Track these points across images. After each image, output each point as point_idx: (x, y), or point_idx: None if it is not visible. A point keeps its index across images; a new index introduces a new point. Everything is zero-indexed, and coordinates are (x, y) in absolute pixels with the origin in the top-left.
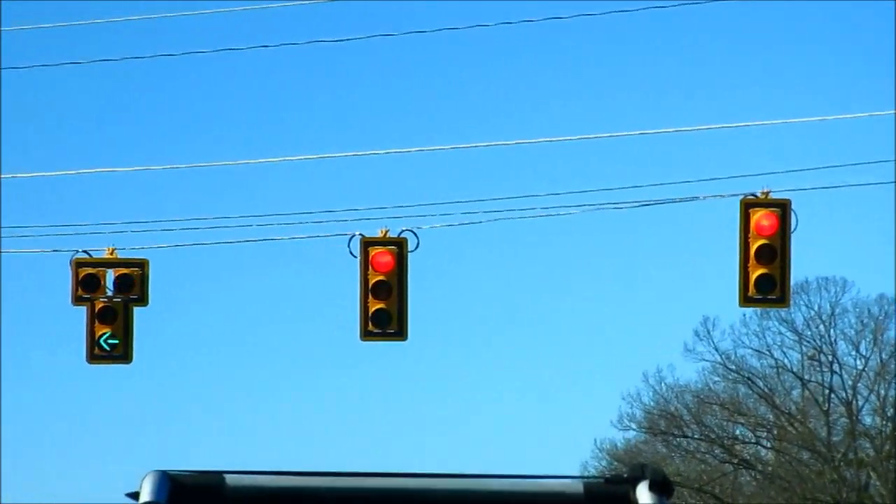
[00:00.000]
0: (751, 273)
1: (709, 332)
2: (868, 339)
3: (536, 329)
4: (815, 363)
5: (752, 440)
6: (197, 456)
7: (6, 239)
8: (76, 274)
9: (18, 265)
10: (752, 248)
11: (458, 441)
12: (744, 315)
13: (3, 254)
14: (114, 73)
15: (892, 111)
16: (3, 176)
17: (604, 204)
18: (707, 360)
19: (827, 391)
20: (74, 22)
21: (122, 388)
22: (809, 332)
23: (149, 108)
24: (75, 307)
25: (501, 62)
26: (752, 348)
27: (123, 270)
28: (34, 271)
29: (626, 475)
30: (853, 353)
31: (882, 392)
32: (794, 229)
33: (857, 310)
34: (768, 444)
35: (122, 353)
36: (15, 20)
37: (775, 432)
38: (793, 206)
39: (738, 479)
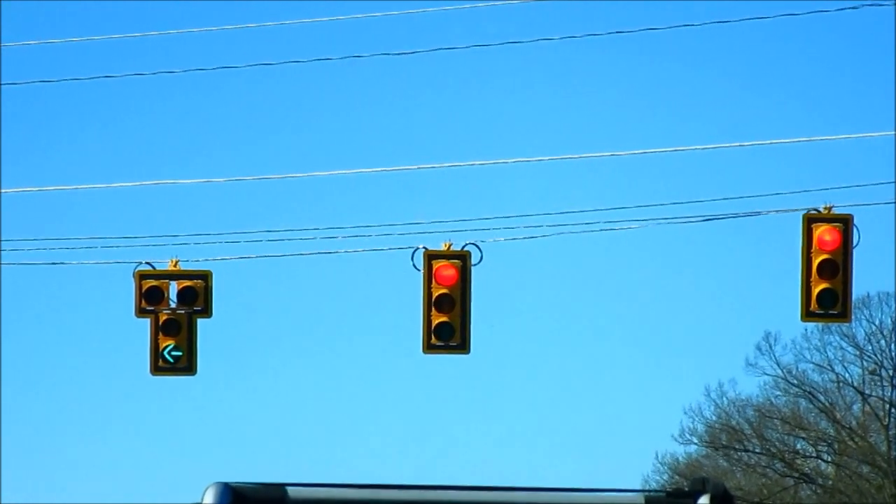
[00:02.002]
0: (813, 288)
1: (770, 347)
2: None
3: (598, 343)
4: (876, 378)
5: (813, 454)
6: (259, 468)
7: (69, 251)
8: (140, 286)
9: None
10: (815, 263)
11: (519, 454)
12: (805, 330)
13: (64, 266)
14: (178, 84)
15: None
16: (65, 188)
17: (667, 218)
18: (768, 375)
19: (888, 406)
20: (136, 33)
21: (185, 400)
22: (870, 347)
23: (214, 119)
24: (139, 319)
25: (565, 75)
26: (813, 363)
27: (187, 282)
28: (98, 283)
29: (687, 489)
30: None
31: None
32: (857, 244)
33: None
34: (829, 459)
35: (185, 364)
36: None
37: (836, 446)
38: (855, 222)
39: (798, 493)
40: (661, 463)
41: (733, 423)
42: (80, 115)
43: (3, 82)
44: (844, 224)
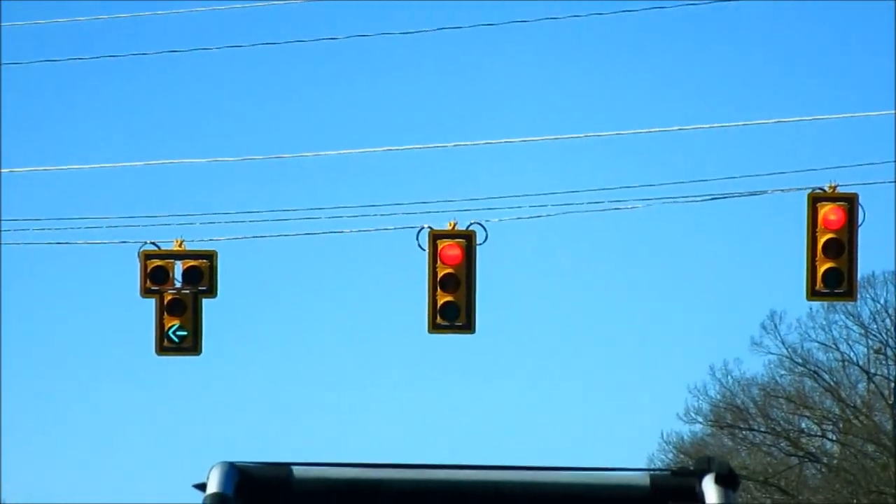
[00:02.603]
0: (818, 267)
1: (775, 326)
2: None
3: (604, 322)
4: (881, 356)
5: (818, 433)
6: (264, 447)
7: (74, 230)
8: (145, 266)
9: (87, 256)
10: (820, 242)
11: (525, 433)
12: (810, 309)
13: (68, 245)
14: (183, 64)
15: None
16: (69, 168)
17: (672, 198)
18: (773, 354)
19: (892, 384)
20: (142, 12)
21: (190, 380)
22: (875, 326)
23: (219, 99)
24: (144, 299)
25: (570, 54)
26: (818, 342)
27: (192, 262)
28: (103, 263)
29: (692, 468)
30: None
31: None
32: (862, 223)
33: None
34: (834, 438)
35: (190, 344)
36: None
37: (841, 425)
38: (860, 200)
39: (803, 472)
40: (666, 442)
41: (738, 402)
42: (85, 94)
43: (5, 62)
44: (849, 203)
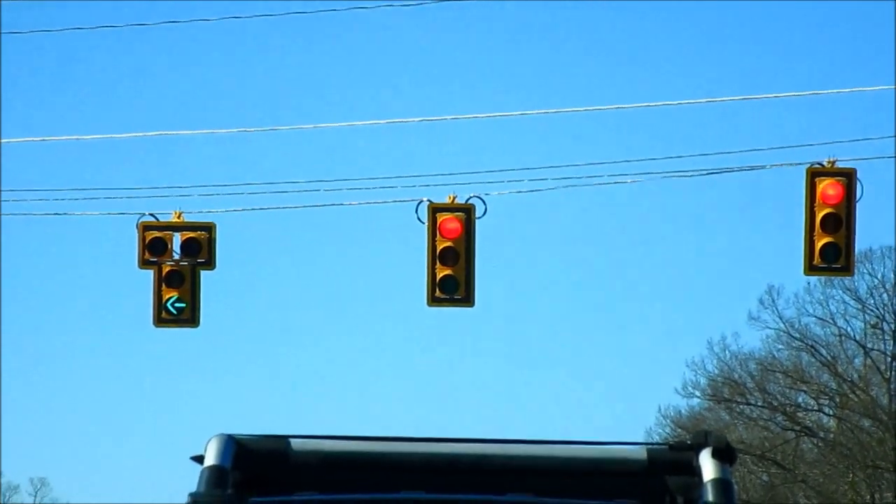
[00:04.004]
0: (816, 242)
1: (773, 301)
2: None
3: (602, 296)
4: (878, 331)
5: (815, 408)
6: (262, 419)
7: (72, 202)
8: (143, 237)
9: (86, 228)
10: (818, 217)
11: (523, 406)
12: (808, 283)
13: (67, 216)
14: (183, 36)
15: None
16: (68, 138)
17: (671, 172)
18: (771, 328)
19: (889, 359)
20: None
21: (188, 352)
22: (873, 301)
23: (218, 71)
24: (142, 270)
25: (568, 29)
26: (815, 316)
27: (190, 234)
28: (101, 234)
29: (689, 442)
30: None
31: None
32: (860, 198)
33: None
34: (830, 412)
35: (189, 316)
36: None
37: (837, 400)
38: (858, 176)
39: (799, 447)
40: (663, 416)
41: (735, 376)
42: (86, 65)
43: (5, 31)
44: (848, 178)
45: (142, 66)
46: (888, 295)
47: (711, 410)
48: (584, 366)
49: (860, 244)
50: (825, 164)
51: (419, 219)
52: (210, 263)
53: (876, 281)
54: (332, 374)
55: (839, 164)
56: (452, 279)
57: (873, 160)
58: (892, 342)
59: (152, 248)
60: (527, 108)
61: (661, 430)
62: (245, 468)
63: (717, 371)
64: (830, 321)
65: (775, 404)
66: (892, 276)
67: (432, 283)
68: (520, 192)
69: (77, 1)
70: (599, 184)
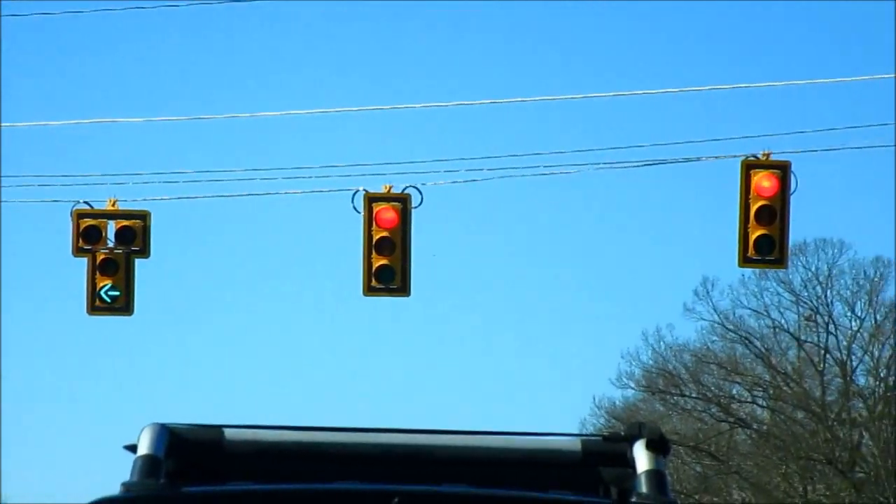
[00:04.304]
0: (750, 234)
1: (708, 292)
2: (864, 301)
3: (537, 287)
4: (812, 324)
5: (749, 399)
6: (197, 409)
7: (6, 189)
8: (77, 225)
9: (19, 215)
10: (753, 210)
11: (458, 397)
12: (742, 275)
13: (3, 203)
14: (117, 22)
15: (892, 74)
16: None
17: (606, 163)
18: (706, 320)
19: (822, 352)
20: None
21: (122, 340)
22: (806, 293)
23: (153, 58)
24: (76, 258)
25: (502, 19)
26: (750, 308)
27: (125, 222)
28: (35, 222)
29: (623, 433)
30: (849, 314)
31: (876, 353)
32: (794, 191)
33: (854, 271)
34: (764, 404)
35: (123, 304)
36: None
37: (771, 392)
38: (793, 168)
39: (733, 438)
40: (598, 407)
41: (670, 367)
42: (16, 52)
43: None
44: (782, 171)
45: (75, 52)
46: (822, 287)
47: (646, 401)
48: (519, 356)
49: (794, 237)
50: (760, 156)
51: (355, 208)
52: (144, 251)
53: (810, 273)
54: (267, 364)
55: (774, 157)
56: (388, 269)
57: (808, 153)
58: (825, 334)
59: (86, 235)
60: (463, 99)
61: (595, 421)
62: (179, 458)
63: (651, 362)
64: (765, 313)
65: (709, 396)
66: (826, 268)
67: (368, 272)
68: (456, 182)
69: None
70: (535, 174)
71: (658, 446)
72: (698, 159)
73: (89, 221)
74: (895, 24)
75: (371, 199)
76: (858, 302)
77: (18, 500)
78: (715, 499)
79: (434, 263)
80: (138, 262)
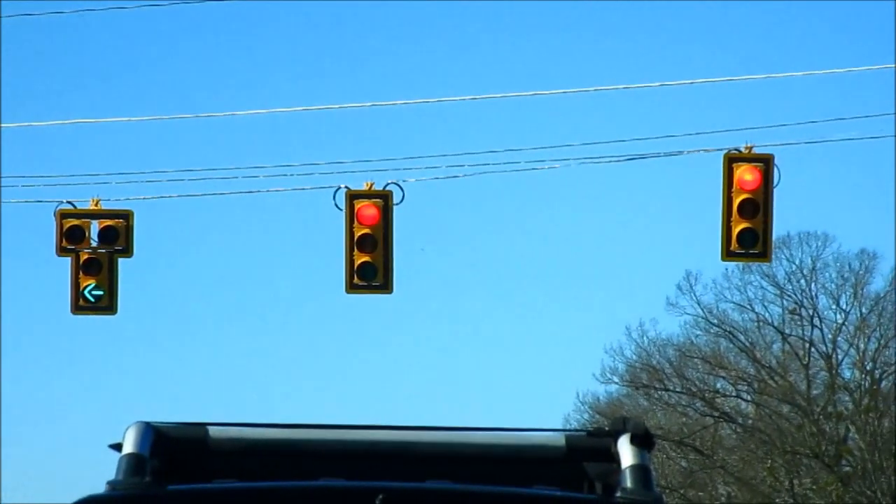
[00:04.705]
0: (733, 227)
1: (691, 286)
2: (848, 294)
3: (520, 283)
4: (796, 317)
5: (733, 394)
6: (181, 408)
7: None
8: (60, 225)
9: (2, 215)
10: (735, 203)
11: (441, 394)
12: (726, 269)
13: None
14: (99, 22)
15: (876, 66)
16: None
17: (588, 158)
18: (689, 314)
19: (807, 345)
20: None
21: (106, 340)
22: (791, 287)
23: (135, 58)
24: (60, 258)
25: (485, 15)
26: (733, 302)
27: (108, 222)
28: (18, 222)
29: (607, 428)
30: (833, 307)
31: (861, 346)
32: (777, 184)
33: (838, 264)
34: (749, 398)
35: (106, 304)
36: None
37: (756, 386)
38: (776, 161)
39: (718, 432)
40: (581, 402)
41: (654, 362)
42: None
43: None
44: (765, 164)
45: (57, 54)
46: (806, 281)
47: (630, 396)
48: (502, 352)
49: (778, 230)
50: (742, 149)
51: (337, 206)
52: (128, 251)
53: (794, 267)
54: (251, 362)
55: (756, 150)
56: (371, 266)
57: (791, 146)
58: (810, 328)
59: (70, 235)
60: (443, 95)
61: (579, 417)
62: (163, 456)
63: (635, 357)
64: (748, 307)
65: (694, 390)
66: (810, 261)
67: (350, 270)
68: (437, 178)
69: None
70: (516, 170)
71: (642, 441)
72: (680, 153)
73: (73, 221)
74: (880, 17)
75: (352, 197)
76: (843, 295)
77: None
78: (700, 493)
79: (416, 260)
80: (122, 261)
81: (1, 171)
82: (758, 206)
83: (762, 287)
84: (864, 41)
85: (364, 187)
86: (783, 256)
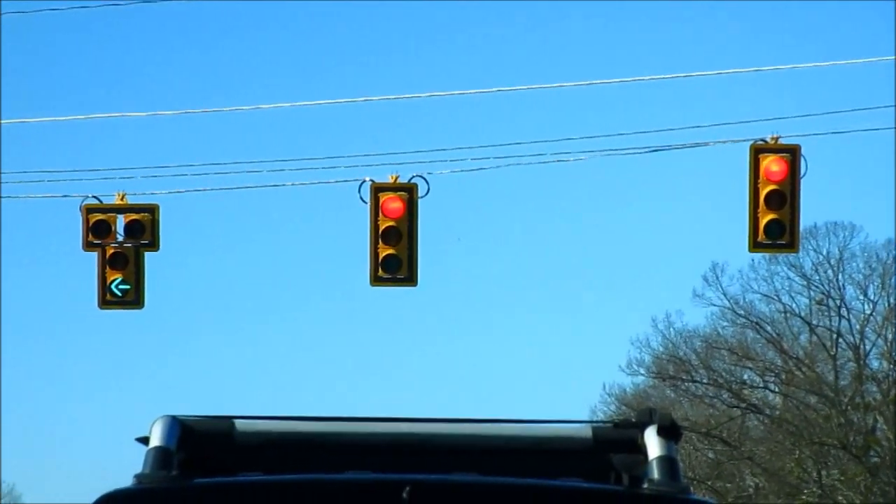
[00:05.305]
0: (760, 218)
1: (717, 278)
2: (876, 284)
3: (545, 275)
4: (823, 308)
5: (760, 385)
6: (207, 401)
7: (15, 185)
8: (87, 220)
9: (29, 211)
10: (762, 194)
11: (467, 386)
12: (752, 260)
13: (11, 199)
14: (125, 16)
15: None
16: (8, 122)
17: (614, 150)
18: (716, 306)
19: (834, 336)
20: None
21: (133, 334)
22: (818, 277)
23: (161, 52)
24: (86, 253)
25: (509, 6)
26: (760, 293)
27: (134, 216)
28: (45, 217)
29: (634, 420)
30: (861, 297)
31: (889, 336)
32: (804, 174)
33: (866, 254)
34: (776, 389)
35: (133, 298)
36: None
37: (783, 377)
38: (802, 152)
39: (745, 424)
40: (608, 394)
41: (680, 353)
42: (27, 47)
43: None
44: (792, 154)
45: (83, 49)
46: (833, 271)
47: (656, 388)
48: (528, 344)
49: (805, 221)
50: (769, 140)
51: (362, 199)
52: (154, 245)
53: (821, 257)
54: (276, 355)
55: (783, 141)
56: (395, 258)
57: (817, 136)
58: (837, 318)
59: (96, 230)
60: (468, 88)
61: (605, 408)
62: (190, 449)
63: (661, 348)
64: (775, 298)
65: (720, 381)
66: (837, 252)
67: (375, 262)
68: (462, 171)
69: None
70: (542, 162)
71: (669, 432)
72: (706, 144)
73: (99, 216)
74: None
75: (377, 189)
76: (871, 285)
77: (28, 492)
78: (728, 485)
79: (441, 252)
80: (148, 255)
81: (1, 166)
82: (784, 197)
83: (789, 278)
84: (891, 31)
85: (389, 180)
86: (810, 247)
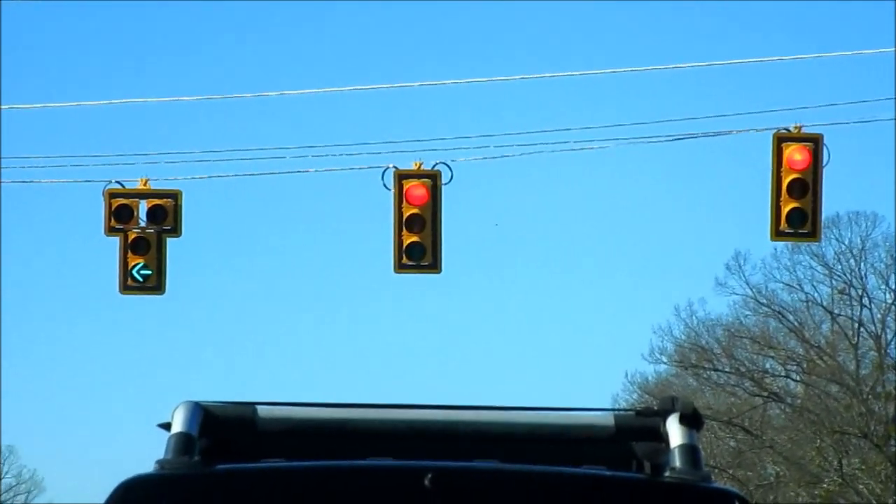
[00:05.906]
0: (782, 207)
1: (740, 266)
2: None
3: (568, 263)
4: (845, 297)
5: (782, 374)
6: (230, 386)
7: (38, 169)
8: (109, 205)
9: (52, 195)
10: (784, 183)
11: (490, 373)
12: (775, 249)
13: (34, 184)
14: (146, 4)
15: None
16: (32, 106)
17: (637, 138)
18: (738, 294)
19: (856, 325)
20: None
21: (154, 319)
22: (840, 266)
23: (183, 38)
24: (108, 237)
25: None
26: (782, 282)
27: (156, 201)
28: (67, 202)
29: (656, 408)
30: (883, 286)
31: None
32: (826, 163)
33: (888, 244)
34: (798, 378)
35: (155, 283)
36: None
37: (805, 366)
38: (825, 141)
39: (767, 412)
40: (630, 382)
41: (703, 342)
42: (50, 33)
43: None
44: (814, 143)
45: (107, 34)
46: (855, 261)
47: (678, 376)
48: (551, 332)
49: (827, 210)
50: (792, 129)
51: (385, 186)
52: (176, 230)
53: (843, 247)
54: (299, 342)
55: (806, 130)
56: (419, 245)
57: (840, 125)
58: (859, 307)
59: (118, 215)
60: (493, 75)
61: (627, 397)
62: (212, 435)
63: (684, 337)
64: (798, 287)
65: (742, 370)
66: (859, 241)
67: (399, 249)
68: (486, 158)
69: None
70: (565, 150)
71: (691, 421)
72: (729, 133)
73: (121, 201)
74: None
75: (401, 176)
76: (893, 274)
77: (50, 477)
78: (749, 473)
79: (465, 239)
80: (170, 240)
81: (1, 152)
82: (807, 186)
83: (811, 267)
84: None
85: (413, 167)
86: (832, 236)
